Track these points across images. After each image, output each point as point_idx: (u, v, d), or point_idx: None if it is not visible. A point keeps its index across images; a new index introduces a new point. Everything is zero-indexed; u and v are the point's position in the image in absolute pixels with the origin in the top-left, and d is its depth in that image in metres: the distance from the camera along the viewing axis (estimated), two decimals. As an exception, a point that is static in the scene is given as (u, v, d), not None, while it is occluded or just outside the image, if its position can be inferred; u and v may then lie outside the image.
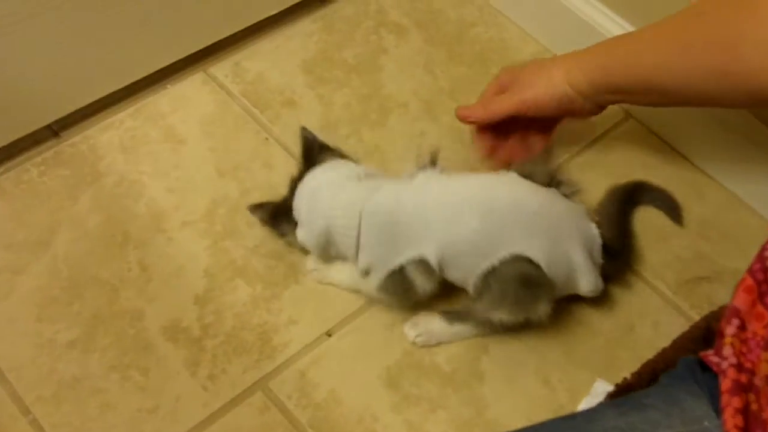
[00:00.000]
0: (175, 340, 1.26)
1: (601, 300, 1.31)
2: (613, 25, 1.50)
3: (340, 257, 1.29)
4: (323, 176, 1.27)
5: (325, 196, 1.25)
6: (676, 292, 1.34)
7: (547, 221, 1.20)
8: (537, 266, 1.16)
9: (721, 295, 1.31)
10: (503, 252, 1.16)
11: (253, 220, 1.35)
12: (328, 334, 1.28)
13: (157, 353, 1.25)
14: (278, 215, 1.30)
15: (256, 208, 1.31)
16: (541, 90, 1.29)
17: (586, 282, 1.22)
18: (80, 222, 1.36)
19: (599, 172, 1.46)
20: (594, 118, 1.34)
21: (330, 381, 1.25)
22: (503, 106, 1.32)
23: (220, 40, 1.57)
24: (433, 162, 1.25)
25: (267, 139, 1.47)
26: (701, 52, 1.11)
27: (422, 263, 1.20)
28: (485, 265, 1.18)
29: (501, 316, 1.22)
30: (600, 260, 1.24)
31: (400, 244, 1.21)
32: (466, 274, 1.20)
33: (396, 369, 1.26)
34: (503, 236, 1.17)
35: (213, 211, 1.39)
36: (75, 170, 1.42)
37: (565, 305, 1.29)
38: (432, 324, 1.28)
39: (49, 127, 1.45)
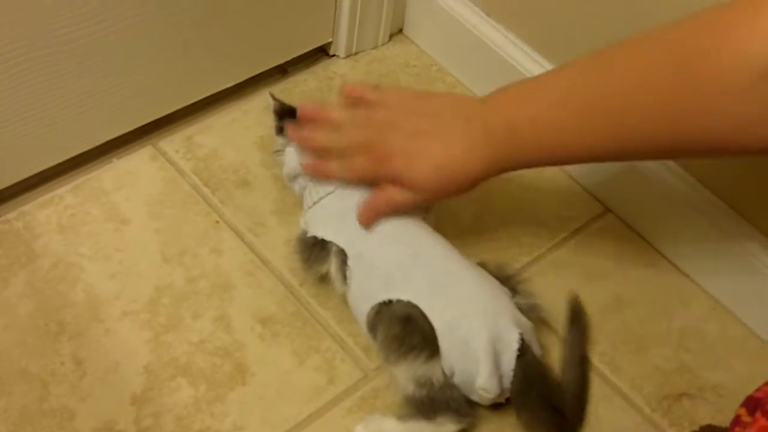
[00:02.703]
0: (108, 445, 1.19)
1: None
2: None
3: (295, 192, 1.36)
4: None
5: None
6: (655, 408, 1.28)
7: (469, 293, 1.19)
8: (428, 322, 1.15)
9: (701, 413, 1.26)
10: (405, 294, 1.17)
11: (199, 311, 1.30)
12: (276, 444, 1.22)
13: (88, 460, 1.18)
14: (287, 117, 1.35)
15: (278, 100, 1.38)
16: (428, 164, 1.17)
17: (484, 376, 1.14)
18: (10, 308, 1.29)
19: (574, 272, 1.41)
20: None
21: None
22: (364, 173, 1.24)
23: (172, 113, 1.52)
24: None
25: (217, 222, 1.41)
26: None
27: (343, 255, 1.24)
28: (383, 296, 1.18)
29: (392, 369, 1.19)
30: (509, 371, 1.16)
31: (341, 228, 1.25)
32: (365, 297, 1.21)
33: (350, 487, 1.20)
34: (414, 279, 1.19)
35: (156, 301, 1.32)
36: (8, 249, 1.35)
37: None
38: (384, 424, 1.22)
39: (-19, 201, 1.39)
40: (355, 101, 1.27)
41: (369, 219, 1.22)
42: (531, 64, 1.52)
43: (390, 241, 1.23)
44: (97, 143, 1.45)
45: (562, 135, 1.09)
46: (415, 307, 1.16)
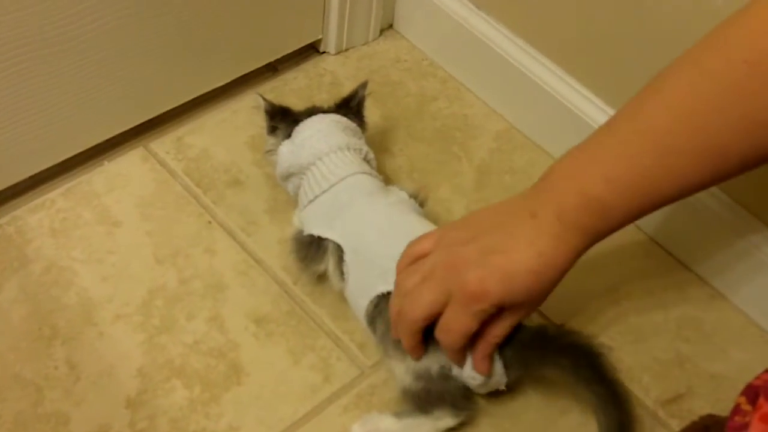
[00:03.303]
0: (103, 449, 1.19)
1: (573, 405, 1.24)
2: (584, 102, 1.45)
3: (288, 191, 1.36)
4: (341, 133, 1.32)
5: (328, 146, 1.29)
6: (655, 399, 1.27)
7: None
8: None
9: (702, 404, 1.25)
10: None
11: (193, 312, 1.29)
12: (273, 444, 1.21)
13: (83, 464, 1.18)
14: (279, 117, 1.36)
15: (267, 100, 1.36)
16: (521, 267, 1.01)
17: (470, 364, 1.12)
18: (3, 313, 1.28)
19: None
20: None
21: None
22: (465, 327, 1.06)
23: (163, 114, 1.51)
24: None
25: (210, 222, 1.41)
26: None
27: (340, 252, 1.24)
28: (382, 288, 1.16)
29: (391, 362, 1.19)
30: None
31: (337, 224, 1.25)
32: (363, 292, 1.20)
33: (347, 487, 1.20)
34: None
35: (149, 303, 1.31)
36: (0, 255, 1.34)
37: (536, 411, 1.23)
38: (381, 422, 1.21)
39: (-28, 207, 1.39)
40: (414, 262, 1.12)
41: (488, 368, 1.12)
42: (523, 56, 1.51)
43: (386, 235, 1.22)
44: (88, 146, 1.44)
45: (646, 182, 0.97)
46: None
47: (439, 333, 1.08)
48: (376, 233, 1.23)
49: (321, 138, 1.30)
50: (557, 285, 1.04)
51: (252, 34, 1.54)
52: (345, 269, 1.23)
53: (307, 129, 1.32)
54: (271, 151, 1.36)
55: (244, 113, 1.56)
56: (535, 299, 1.04)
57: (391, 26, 1.74)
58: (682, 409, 1.26)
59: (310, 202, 1.28)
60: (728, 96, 0.90)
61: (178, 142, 1.51)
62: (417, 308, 1.07)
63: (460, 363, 1.12)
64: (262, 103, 1.36)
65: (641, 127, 0.96)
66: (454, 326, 1.05)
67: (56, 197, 1.42)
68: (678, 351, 1.32)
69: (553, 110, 1.48)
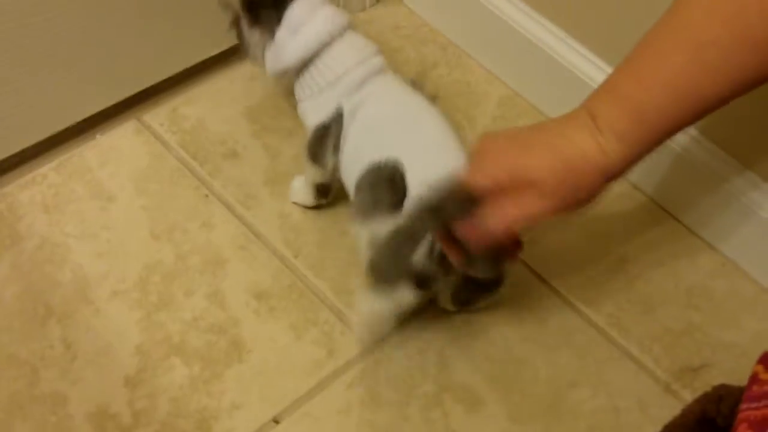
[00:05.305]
0: (102, 429, 1.17)
1: (582, 378, 1.23)
2: (589, 65, 1.43)
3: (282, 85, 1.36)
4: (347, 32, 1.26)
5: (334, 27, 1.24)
6: (667, 369, 1.26)
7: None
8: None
9: (714, 374, 1.24)
10: (392, 153, 1.16)
11: (191, 288, 1.29)
12: (276, 421, 1.20)
13: (82, 444, 1.16)
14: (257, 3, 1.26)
15: None
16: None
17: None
18: (-4, 292, 1.28)
19: (578, 232, 1.39)
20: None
21: (278, 474, 1.17)
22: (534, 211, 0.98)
23: (156, 84, 1.49)
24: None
25: (207, 195, 1.39)
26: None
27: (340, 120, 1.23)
28: (369, 159, 1.18)
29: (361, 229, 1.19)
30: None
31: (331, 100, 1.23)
32: (357, 158, 1.20)
33: (352, 461, 1.19)
34: (402, 140, 1.19)
35: (146, 279, 1.30)
36: (-9, 232, 1.33)
37: (545, 384, 1.23)
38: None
39: (-38, 184, 1.37)
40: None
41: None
42: (525, 20, 1.49)
43: (386, 101, 1.22)
44: (79, 119, 1.43)
45: (681, 81, 0.92)
46: (399, 167, 1.15)
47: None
48: (376, 98, 1.22)
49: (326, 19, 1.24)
50: (596, 193, 0.97)
51: (246, 1, 1.52)
52: (342, 136, 1.22)
53: (305, 12, 1.24)
54: (250, 43, 1.29)
55: (241, 83, 1.54)
56: (558, 192, 0.96)
57: (390, -8, 1.72)
58: (694, 379, 1.24)
59: (313, 94, 1.25)
60: None
61: (172, 113, 1.49)
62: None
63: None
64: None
65: (672, 25, 0.93)
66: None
67: (48, 172, 1.40)
68: (689, 320, 1.31)
69: (557, 75, 1.47)
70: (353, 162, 1.21)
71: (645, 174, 1.43)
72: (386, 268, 1.13)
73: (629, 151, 0.94)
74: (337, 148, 1.23)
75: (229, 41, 1.53)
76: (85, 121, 1.44)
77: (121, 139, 1.45)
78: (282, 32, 1.23)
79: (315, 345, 1.25)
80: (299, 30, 1.22)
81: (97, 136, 1.45)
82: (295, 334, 1.26)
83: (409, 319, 1.27)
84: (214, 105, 1.51)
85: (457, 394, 1.22)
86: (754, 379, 0.92)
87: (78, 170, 1.41)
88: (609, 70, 1.39)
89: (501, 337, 1.28)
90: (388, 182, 1.15)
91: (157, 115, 1.49)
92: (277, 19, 1.23)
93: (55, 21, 1.29)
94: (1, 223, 1.34)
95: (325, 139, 1.23)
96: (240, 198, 1.39)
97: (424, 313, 1.28)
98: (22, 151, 1.39)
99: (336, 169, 1.26)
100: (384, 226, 1.11)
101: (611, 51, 1.39)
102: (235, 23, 1.30)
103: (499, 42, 1.56)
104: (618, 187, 1.43)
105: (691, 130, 1.33)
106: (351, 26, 1.26)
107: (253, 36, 1.28)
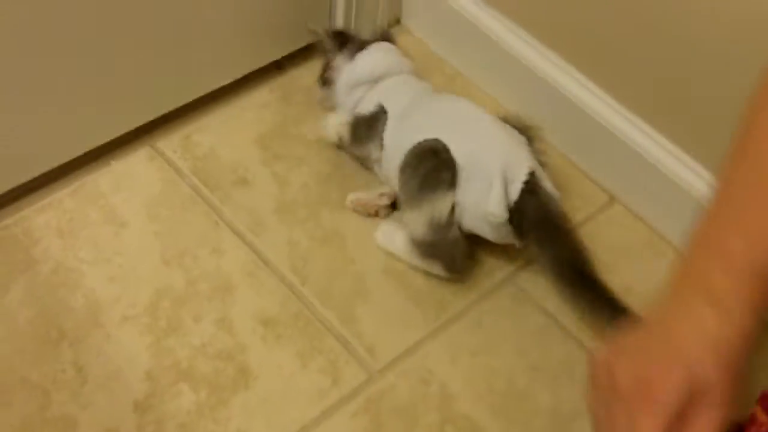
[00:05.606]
0: (111, 453, 1.19)
1: (584, 410, 1.23)
2: (598, 101, 1.45)
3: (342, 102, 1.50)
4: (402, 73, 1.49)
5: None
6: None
7: (486, 131, 1.34)
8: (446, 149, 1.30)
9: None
10: (431, 134, 1.32)
11: (200, 314, 1.31)
12: (281, 449, 1.22)
13: (91, 468, 1.18)
14: (338, 38, 1.50)
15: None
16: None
17: (493, 202, 1.26)
18: (10, 316, 1.29)
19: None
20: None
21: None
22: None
23: (169, 112, 1.51)
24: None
25: (217, 222, 1.41)
26: None
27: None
28: (408, 144, 1.33)
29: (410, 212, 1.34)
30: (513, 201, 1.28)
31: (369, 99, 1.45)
32: (400, 146, 1.35)
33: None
34: (439, 122, 1.36)
35: (156, 304, 1.32)
36: (7, 256, 1.35)
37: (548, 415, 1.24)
38: (396, 236, 1.39)
39: (-21, 208, 1.40)
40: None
41: None
42: (532, 53, 1.52)
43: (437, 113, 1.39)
44: (95, 145, 1.45)
45: None
46: (439, 141, 1.30)
47: None
48: (423, 111, 1.39)
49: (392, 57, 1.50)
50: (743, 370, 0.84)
51: (258, 31, 1.55)
52: (385, 136, 1.39)
53: (371, 60, 1.48)
54: (334, 70, 1.49)
55: (252, 111, 1.57)
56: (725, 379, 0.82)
57: (398, 21, 1.74)
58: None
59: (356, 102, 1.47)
60: None
61: (185, 140, 1.51)
62: None
63: None
64: (320, 30, 1.52)
65: (759, 170, 0.87)
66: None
67: (63, 197, 1.42)
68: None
69: (562, 107, 1.49)
70: (396, 148, 1.36)
71: (648, 205, 1.46)
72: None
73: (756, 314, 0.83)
74: (380, 142, 1.40)
75: (240, 71, 1.57)
76: (100, 147, 1.46)
77: (134, 166, 1.48)
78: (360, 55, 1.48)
79: (320, 373, 1.27)
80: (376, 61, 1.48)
81: (112, 162, 1.48)
82: (301, 362, 1.28)
83: (413, 349, 1.30)
84: (226, 132, 1.54)
85: (460, 425, 1.24)
86: (752, 420, 0.92)
87: (92, 196, 1.43)
88: (611, 102, 1.42)
89: (504, 369, 1.30)
90: (431, 153, 1.30)
91: (170, 142, 1.51)
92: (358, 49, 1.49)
93: (72, 50, 1.31)
94: (17, 247, 1.36)
95: (375, 123, 1.41)
96: (249, 225, 1.41)
97: (428, 341, 1.31)
98: (39, 177, 1.41)
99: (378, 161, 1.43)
100: (441, 202, 1.29)
101: (616, 86, 1.42)
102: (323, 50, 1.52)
103: (505, 73, 1.58)
104: (622, 219, 1.46)
105: (688, 160, 1.36)
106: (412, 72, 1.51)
107: (338, 59, 1.50)
